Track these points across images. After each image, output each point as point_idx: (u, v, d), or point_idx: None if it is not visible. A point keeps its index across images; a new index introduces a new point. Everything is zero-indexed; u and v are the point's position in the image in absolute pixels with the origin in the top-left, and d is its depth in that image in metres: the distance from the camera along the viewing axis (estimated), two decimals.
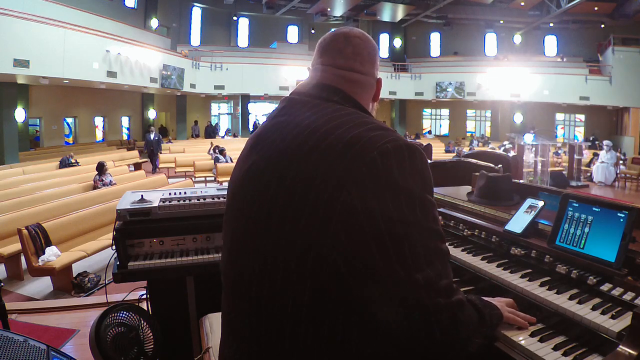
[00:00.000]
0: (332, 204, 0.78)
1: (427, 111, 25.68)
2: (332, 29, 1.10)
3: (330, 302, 0.80)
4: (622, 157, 14.07)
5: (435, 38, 25.66)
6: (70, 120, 17.95)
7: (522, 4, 21.28)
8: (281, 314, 0.82)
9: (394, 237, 0.77)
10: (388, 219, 0.77)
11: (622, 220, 1.21)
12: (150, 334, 2.21)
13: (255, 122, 22.89)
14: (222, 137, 21.46)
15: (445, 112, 25.44)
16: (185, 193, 2.38)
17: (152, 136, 14.24)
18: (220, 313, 1.05)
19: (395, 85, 22.11)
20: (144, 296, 2.45)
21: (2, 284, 2.55)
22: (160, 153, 14.55)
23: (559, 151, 15.54)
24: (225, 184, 1.12)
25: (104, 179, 8.14)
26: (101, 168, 8.23)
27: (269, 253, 0.84)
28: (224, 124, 24.77)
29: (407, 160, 0.81)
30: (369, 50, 1.04)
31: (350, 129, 0.84)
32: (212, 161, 12.48)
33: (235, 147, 14.29)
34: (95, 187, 7.90)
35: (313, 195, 0.79)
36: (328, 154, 0.81)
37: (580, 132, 22.09)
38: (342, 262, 0.78)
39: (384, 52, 26.00)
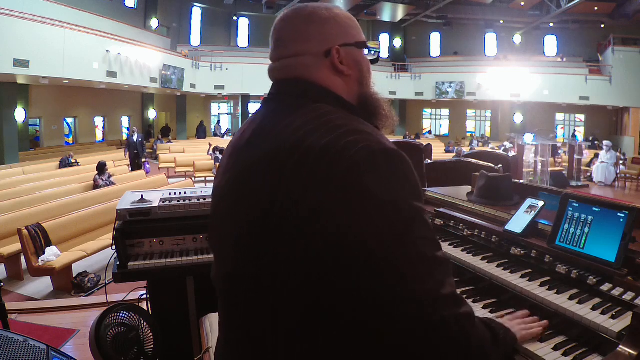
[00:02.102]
0: (307, 228, 0.73)
1: (427, 111, 25.68)
2: None
3: (323, 319, 0.75)
4: (622, 157, 14.08)
5: (435, 38, 25.66)
6: (70, 120, 17.96)
7: (522, 4, 21.29)
8: (272, 325, 0.80)
9: (382, 254, 0.70)
10: (372, 236, 0.70)
11: (622, 220, 1.21)
12: (150, 334, 2.21)
13: None
14: (223, 137, 21.50)
15: (445, 112, 25.44)
16: (185, 193, 2.39)
17: (135, 138, 12.51)
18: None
19: (395, 85, 22.11)
20: (144, 296, 2.45)
21: (2, 284, 2.55)
22: (145, 158, 12.88)
23: (559, 151, 15.53)
24: None
25: (103, 178, 8.16)
26: (102, 168, 8.25)
27: (249, 271, 0.82)
28: (224, 124, 24.82)
29: (385, 167, 0.73)
30: (295, 27, 0.92)
31: (320, 137, 0.76)
32: (212, 161, 12.49)
33: None
34: (96, 186, 7.91)
35: (287, 219, 0.75)
36: (298, 171, 0.75)
37: (580, 132, 22.09)
38: (326, 287, 0.73)
39: (384, 52, 25.99)
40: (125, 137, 20.25)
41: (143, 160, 12.78)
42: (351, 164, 0.72)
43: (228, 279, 0.89)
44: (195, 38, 23.61)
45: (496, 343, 0.86)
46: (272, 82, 0.96)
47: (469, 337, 0.75)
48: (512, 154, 11.43)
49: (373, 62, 0.99)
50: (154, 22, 19.92)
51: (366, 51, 0.97)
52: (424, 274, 0.72)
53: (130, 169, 11.82)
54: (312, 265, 0.73)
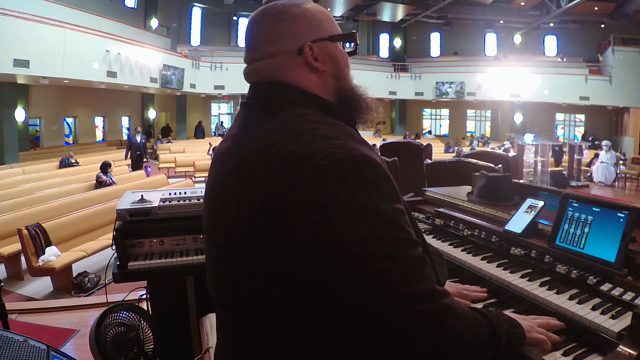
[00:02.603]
0: (278, 237, 0.74)
1: (427, 111, 25.68)
2: None
3: (304, 314, 0.77)
4: (622, 157, 14.08)
5: (435, 38, 25.66)
6: (70, 120, 17.96)
7: (522, 4, 21.29)
8: (261, 322, 0.81)
9: (351, 258, 0.71)
10: (340, 241, 0.71)
11: (622, 220, 1.21)
12: (150, 334, 2.21)
13: None
14: (223, 136, 21.48)
15: (445, 112, 25.44)
16: (185, 193, 2.38)
17: (138, 138, 11.90)
18: None
19: (395, 85, 22.11)
20: (144, 296, 2.45)
21: (2, 284, 2.55)
22: (147, 159, 12.36)
23: (559, 150, 15.51)
24: None
25: (105, 178, 8.19)
26: (105, 168, 8.28)
27: (237, 273, 0.83)
28: (225, 124, 24.84)
29: (350, 173, 0.73)
30: (265, 27, 0.90)
31: (287, 143, 0.77)
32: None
33: None
34: (100, 182, 7.94)
35: (257, 230, 0.76)
36: (264, 180, 0.76)
37: (580, 132, 22.09)
38: (305, 297, 0.75)
39: (384, 52, 26.00)
40: (125, 137, 20.26)
41: (144, 160, 12.33)
42: (316, 170, 0.73)
43: (221, 283, 0.90)
44: (195, 38, 23.61)
45: (494, 339, 0.84)
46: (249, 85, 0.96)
47: (447, 328, 0.76)
48: (512, 154, 11.43)
49: (351, 54, 0.98)
50: (154, 22, 19.92)
51: (347, 44, 0.96)
52: (393, 272, 0.73)
53: (130, 169, 11.72)
54: (297, 267, 0.74)
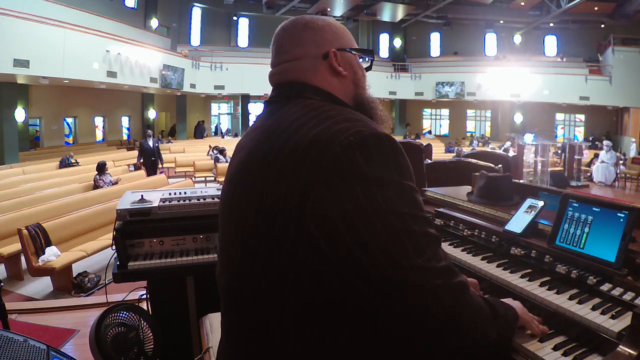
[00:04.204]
0: (302, 214, 0.75)
1: (427, 111, 25.67)
2: None
3: (318, 309, 0.78)
4: (622, 157, 14.07)
5: (435, 38, 25.65)
6: (70, 120, 17.95)
7: (522, 4, 21.28)
8: (269, 321, 0.82)
9: (373, 232, 0.73)
10: (363, 215, 0.73)
11: (622, 220, 1.20)
12: (150, 334, 2.21)
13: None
14: (223, 137, 21.50)
15: (445, 112, 25.43)
16: (185, 193, 2.39)
17: (151, 143, 10.88)
18: (220, 313, 1.06)
19: (395, 85, 22.10)
20: (144, 296, 2.45)
21: (2, 284, 2.55)
22: (161, 161, 11.20)
23: (559, 151, 15.51)
24: None
25: (104, 178, 8.15)
26: (102, 168, 8.24)
27: (250, 267, 0.84)
28: (224, 124, 24.85)
29: (374, 149, 0.77)
30: (293, 34, 0.98)
31: (312, 127, 0.80)
32: (212, 161, 12.49)
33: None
34: (96, 187, 7.91)
35: (282, 210, 0.77)
36: (290, 160, 0.79)
37: (580, 132, 22.08)
38: (326, 271, 0.76)
39: (384, 52, 26.00)
40: (125, 137, 20.26)
41: (159, 167, 11.19)
42: (343, 146, 0.76)
43: (233, 278, 0.90)
44: (195, 38, 23.60)
45: (496, 317, 0.88)
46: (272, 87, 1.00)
47: (462, 306, 0.77)
48: (512, 154, 11.43)
49: (367, 69, 1.05)
50: (154, 22, 19.90)
51: (365, 59, 1.03)
52: (413, 248, 0.74)
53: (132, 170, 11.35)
54: (317, 258, 0.75)
